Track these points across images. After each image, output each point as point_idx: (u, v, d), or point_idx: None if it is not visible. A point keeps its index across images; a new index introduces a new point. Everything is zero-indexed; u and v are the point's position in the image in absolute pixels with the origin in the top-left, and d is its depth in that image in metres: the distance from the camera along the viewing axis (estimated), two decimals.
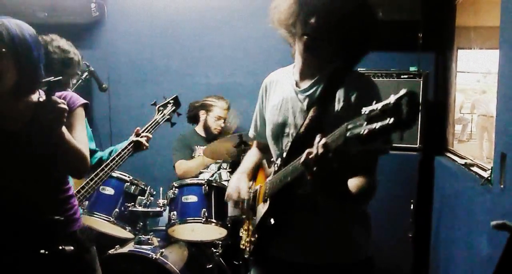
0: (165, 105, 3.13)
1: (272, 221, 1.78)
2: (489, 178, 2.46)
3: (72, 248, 1.97)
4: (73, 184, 2.29)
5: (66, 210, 2.04)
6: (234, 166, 4.09)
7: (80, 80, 3.26)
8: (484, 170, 2.67)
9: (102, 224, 3.14)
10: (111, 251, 3.14)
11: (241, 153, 3.39)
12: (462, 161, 3.16)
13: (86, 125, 2.61)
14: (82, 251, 2.09)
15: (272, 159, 2.01)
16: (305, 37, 1.78)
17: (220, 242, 3.51)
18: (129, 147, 2.83)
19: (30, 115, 1.96)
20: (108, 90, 3.92)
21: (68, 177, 2.18)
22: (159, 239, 3.33)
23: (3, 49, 1.80)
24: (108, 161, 2.76)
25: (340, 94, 1.78)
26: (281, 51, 4.38)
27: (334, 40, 1.76)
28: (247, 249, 1.97)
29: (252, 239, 1.92)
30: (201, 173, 4.05)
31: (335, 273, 1.82)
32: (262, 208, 1.88)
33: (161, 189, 3.47)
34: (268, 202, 1.83)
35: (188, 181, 3.44)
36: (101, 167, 2.74)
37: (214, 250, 3.51)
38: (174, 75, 4.52)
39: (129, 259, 3.13)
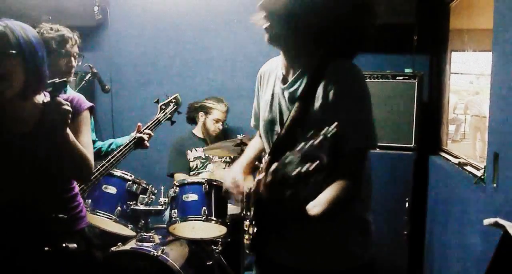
0: (167, 104, 3.15)
1: (254, 222, 1.72)
2: (482, 177, 2.46)
3: (75, 245, 1.96)
4: None
5: (72, 208, 2.04)
6: None
7: (84, 82, 3.26)
8: (478, 169, 2.67)
9: (104, 222, 3.13)
10: (113, 248, 3.13)
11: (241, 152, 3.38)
12: (456, 160, 3.15)
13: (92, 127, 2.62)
14: (91, 248, 2.11)
15: None
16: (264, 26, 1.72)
17: (220, 240, 3.50)
18: (130, 143, 2.83)
19: (38, 117, 1.95)
20: (111, 92, 3.92)
21: None
22: (160, 237, 3.33)
23: (11, 51, 1.79)
24: (109, 157, 2.77)
25: (319, 90, 1.62)
26: (279, 54, 4.39)
27: (294, 32, 1.65)
28: (247, 244, 1.85)
29: (250, 235, 1.83)
30: (200, 173, 4.06)
31: None
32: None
33: (162, 187, 3.46)
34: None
35: (189, 179, 3.44)
36: (102, 163, 2.74)
37: (214, 247, 3.50)
38: (175, 77, 4.51)
39: (131, 256, 3.12)
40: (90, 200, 3.06)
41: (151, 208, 3.25)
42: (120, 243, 3.22)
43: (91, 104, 2.09)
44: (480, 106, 6.28)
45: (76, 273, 2.05)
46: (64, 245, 1.95)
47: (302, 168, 1.18)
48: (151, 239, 3.21)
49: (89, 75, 3.34)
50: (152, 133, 2.98)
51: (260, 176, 1.46)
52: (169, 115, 3.13)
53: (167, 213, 3.38)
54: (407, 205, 3.64)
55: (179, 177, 4.04)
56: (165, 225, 3.38)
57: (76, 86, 3.04)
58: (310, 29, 1.62)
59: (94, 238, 2.20)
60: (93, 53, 4.32)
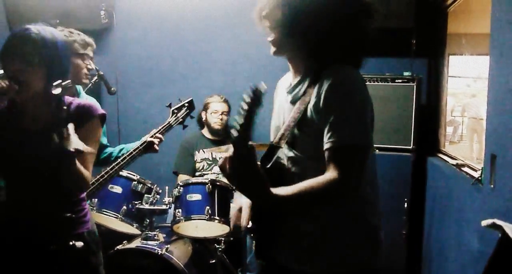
0: (179, 108, 3.12)
1: (250, 224, 1.71)
2: (479, 178, 2.46)
3: (82, 243, 1.96)
4: None
5: (77, 211, 2.04)
6: None
7: (90, 84, 3.26)
8: (475, 170, 2.67)
9: (110, 220, 3.13)
10: (119, 247, 3.14)
11: None
12: (454, 162, 3.15)
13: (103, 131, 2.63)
14: (88, 253, 2.08)
15: None
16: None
17: (223, 239, 3.50)
18: (140, 147, 2.83)
19: (49, 116, 1.96)
20: (117, 94, 3.91)
21: None
22: (164, 235, 3.33)
23: (37, 58, 1.83)
24: (119, 160, 2.77)
25: (314, 90, 1.60)
26: (282, 57, 4.39)
27: (297, 41, 1.65)
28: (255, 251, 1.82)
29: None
30: (204, 174, 4.06)
31: None
32: None
33: (166, 187, 3.46)
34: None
35: (193, 180, 3.44)
36: (111, 165, 2.74)
37: (217, 246, 3.50)
38: (179, 79, 4.52)
39: (136, 254, 3.12)
40: (96, 199, 3.07)
41: (155, 207, 3.26)
42: (125, 241, 3.23)
43: (102, 112, 2.06)
44: (477, 108, 6.29)
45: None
46: (71, 243, 1.95)
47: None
48: (155, 237, 3.22)
49: (95, 77, 3.35)
50: (163, 138, 2.97)
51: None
52: (181, 120, 3.09)
53: (171, 212, 3.38)
54: (405, 205, 3.64)
55: (182, 178, 4.04)
56: (169, 224, 3.39)
57: (83, 88, 3.04)
58: (312, 38, 1.62)
59: (97, 243, 2.18)
60: (99, 55, 4.28)
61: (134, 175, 3.23)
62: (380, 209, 1.74)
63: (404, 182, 3.67)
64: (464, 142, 6.30)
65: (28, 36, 1.84)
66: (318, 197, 1.52)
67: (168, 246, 3.17)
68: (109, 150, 3.01)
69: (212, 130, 4.18)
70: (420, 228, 3.83)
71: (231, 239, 3.54)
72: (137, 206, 3.20)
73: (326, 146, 1.53)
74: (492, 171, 2.21)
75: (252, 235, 1.75)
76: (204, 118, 4.20)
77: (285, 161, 1.71)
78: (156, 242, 3.19)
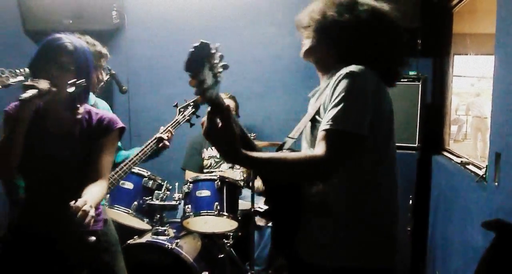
0: (185, 107, 3.16)
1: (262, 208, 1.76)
2: (484, 176, 2.45)
3: (94, 238, 1.97)
4: None
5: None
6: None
7: (102, 83, 3.27)
8: (479, 168, 2.65)
9: (122, 216, 3.15)
10: (130, 241, 3.15)
11: None
12: (458, 160, 3.14)
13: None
14: (99, 250, 2.13)
15: None
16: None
17: (231, 234, 3.51)
18: (151, 143, 2.85)
19: (72, 123, 2.04)
20: (128, 92, 3.93)
21: None
22: (174, 230, 3.34)
23: (71, 66, 1.95)
24: (132, 156, 2.79)
25: (328, 86, 1.65)
26: (287, 57, 4.39)
27: (324, 48, 1.75)
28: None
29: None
30: (212, 172, 4.06)
31: None
32: None
33: (176, 184, 3.47)
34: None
35: (202, 176, 3.44)
36: (125, 162, 2.76)
37: (226, 241, 3.51)
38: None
39: (147, 249, 3.13)
40: (108, 195, 3.08)
41: (166, 203, 3.27)
42: (136, 236, 3.24)
43: (122, 125, 2.13)
44: (481, 107, 6.28)
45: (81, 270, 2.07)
46: (83, 237, 1.95)
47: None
48: (166, 232, 3.23)
49: (107, 76, 3.35)
50: (173, 132, 3.01)
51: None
52: (188, 118, 3.14)
53: (181, 207, 3.38)
54: (410, 202, 3.62)
55: (189, 174, 4.06)
56: (179, 219, 3.39)
57: (97, 88, 3.05)
58: (342, 48, 1.71)
59: (105, 242, 2.18)
60: (110, 55, 4.31)
61: (145, 172, 3.24)
62: (397, 209, 1.79)
63: (409, 179, 3.66)
64: (468, 140, 6.28)
65: (64, 45, 1.95)
66: (293, 168, 1.52)
67: (178, 240, 3.18)
68: (123, 152, 3.02)
69: None
70: (425, 225, 3.81)
71: (239, 234, 3.54)
72: (147, 202, 3.21)
73: (321, 127, 1.55)
74: (496, 168, 2.20)
75: (264, 217, 1.76)
76: None
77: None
78: (166, 237, 3.20)
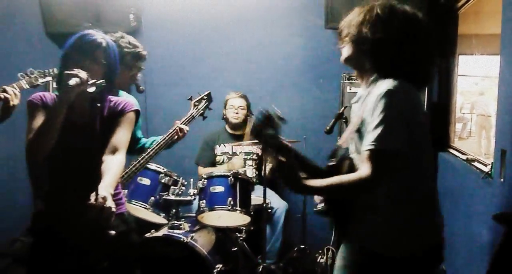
0: (199, 101, 3.18)
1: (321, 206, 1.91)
2: (489, 172, 2.43)
3: (114, 232, 1.97)
4: None
5: (114, 194, 2.07)
6: (260, 163, 4.09)
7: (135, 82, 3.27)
8: (485, 165, 2.63)
9: (139, 210, 3.16)
10: (147, 235, 3.17)
11: None
12: (464, 157, 3.11)
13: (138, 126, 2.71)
14: (131, 230, 2.18)
15: None
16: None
17: (244, 228, 3.52)
18: (166, 137, 2.87)
19: (96, 114, 2.04)
20: (145, 92, 3.93)
21: None
22: (189, 225, 3.35)
23: (103, 61, 2.03)
24: (149, 150, 2.80)
25: (368, 99, 1.77)
26: (299, 56, 4.38)
27: (363, 55, 1.82)
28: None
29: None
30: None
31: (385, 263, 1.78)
32: None
33: (191, 180, 3.48)
34: None
35: (216, 172, 3.45)
36: (142, 155, 2.78)
37: (239, 235, 3.52)
38: (202, 79, 4.52)
39: (163, 242, 3.14)
40: (126, 191, 3.09)
41: (181, 198, 3.28)
42: (153, 230, 3.25)
43: (136, 108, 2.17)
44: (485, 106, 6.23)
45: (115, 251, 2.08)
46: (105, 231, 1.96)
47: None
48: (181, 226, 3.24)
49: None
50: (188, 128, 3.01)
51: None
52: (202, 111, 3.17)
53: (196, 203, 3.40)
54: None
55: (201, 170, 4.07)
56: (194, 214, 3.41)
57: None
58: (379, 58, 1.79)
59: (132, 222, 2.23)
60: None
61: (161, 168, 3.26)
62: (438, 202, 1.89)
63: None
64: (473, 137, 6.25)
65: (98, 41, 2.03)
66: (346, 190, 1.71)
67: (193, 234, 3.19)
68: (143, 140, 3.05)
69: (230, 125, 4.20)
70: None
71: (252, 228, 3.54)
72: (164, 197, 3.23)
73: (364, 147, 1.69)
74: (502, 165, 2.19)
75: (324, 215, 1.94)
76: (225, 114, 4.21)
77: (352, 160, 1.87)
78: (181, 230, 3.21)
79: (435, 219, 1.85)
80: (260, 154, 4.14)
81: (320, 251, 4.00)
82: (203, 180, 3.38)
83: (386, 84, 1.70)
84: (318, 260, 3.90)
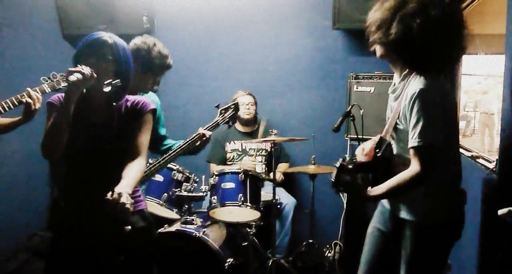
0: (226, 109, 3.12)
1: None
2: (494, 169, 2.41)
3: (129, 227, 1.97)
4: None
5: (133, 192, 2.07)
6: (269, 160, 4.09)
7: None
8: (489, 162, 2.61)
9: (153, 206, 3.17)
10: (161, 230, 3.17)
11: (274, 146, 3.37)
12: (469, 154, 3.09)
13: (160, 113, 2.82)
14: (151, 225, 2.18)
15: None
16: None
17: (254, 223, 3.51)
18: (188, 141, 2.86)
19: (113, 112, 2.06)
20: (157, 92, 3.94)
21: None
22: (201, 220, 3.35)
23: (110, 57, 2.00)
24: (170, 152, 2.81)
25: (405, 93, 1.92)
26: (307, 57, 4.37)
27: (397, 52, 1.92)
28: None
29: None
30: (235, 164, 4.07)
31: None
32: None
33: (203, 176, 3.49)
34: None
35: (227, 169, 3.45)
36: (163, 157, 2.78)
37: (249, 230, 3.51)
38: (212, 79, 4.53)
39: (176, 237, 3.15)
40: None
41: (193, 194, 3.29)
42: (166, 225, 3.26)
43: (153, 107, 2.15)
44: (488, 104, 6.16)
45: (135, 247, 2.09)
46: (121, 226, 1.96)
47: None
48: (193, 222, 3.24)
49: None
50: (210, 133, 2.98)
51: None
52: (227, 119, 3.11)
53: (207, 199, 3.40)
54: None
55: (213, 167, 4.07)
56: (205, 210, 3.41)
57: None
58: (409, 56, 1.91)
59: (151, 217, 2.23)
60: None
61: (174, 165, 3.27)
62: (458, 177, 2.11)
63: None
64: (476, 135, 6.19)
65: (103, 39, 2.01)
66: (403, 189, 1.92)
67: (205, 229, 3.19)
68: (168, 141, 3.04)
69: (243, 121, 4.19)
70: None
71: (261, 223, 3.54)
72: (176, 193, 3.24)
73: (410, 144, 1.88)
74: None
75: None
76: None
77: (394, 149, 2.08)
78: (194, 226, 3.22)
79: (460, 195, 2.08)
80: (269, 151, 4.14)
81: (328, 246, 4.00)
82: (214, 176, 3.38)
83: (419, 83, 1.86)
84: (326, 254, 3.91)
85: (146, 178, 2.72)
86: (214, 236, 3.23)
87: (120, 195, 1.76)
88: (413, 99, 1.84)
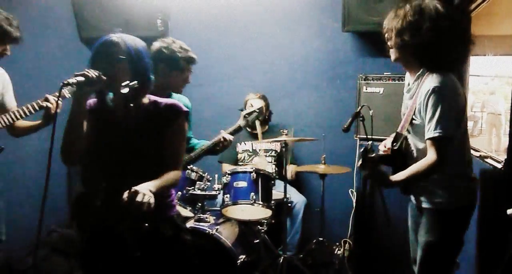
0: (250, 114, 3.11)
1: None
2: (502, 169, 2.39)
3: (147, 225, 1.97)
4: None
5: (165, 196, 2.07)
6: (279, 160, 4.09)
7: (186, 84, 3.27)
8: (498, 162, 2.59)
9: None
10: None
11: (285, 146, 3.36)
12: (477, 153, 3.07)
13: (190, 116, 2.77)
14: (180, 232, 2.17)
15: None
16: None
17: (265, 221, 3.51)
18: (210, 144, 2.86)
19: (139, 113, 2.02)
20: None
21: None
22: (214, 218, 3.37)
23: (121, 56, 1.93)
24: (191, 154, 2.84)
25: (421, 90, 2.06)
26: (317, 58, 4.35)
27: (409, 54, 2.09)
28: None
29: None
30: (247, 164, 4.06)
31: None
32: None
33: (216, 175, 3.49)
34: None
35: (239, 169, 3.46)
36: (189, 155, 2.80)
37: (260, 228, 3.51)
38: (224, 80, 4.53)
39: (190, 234, 3.14)
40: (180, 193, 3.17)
41: (206, 193, 3.30)
42: None
43: (185, 110, 2.09)
44: (496, 104, 6.13)
45: (166, 254, 2.09)
46: (140, 224, 1.95)
47: None
48: (206, 219, 3.26)
49: None
50: (232, 137, 2.97)
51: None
52: (250, 124, 3.10)
53: (220, 197, 3.41)
54: None
55: (225, 167, 4.07)
56: (218, 208, 3.42)
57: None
58: (422, 57, 2.07)
59: (182, 223, 2.22)
60: None
61: (188, 165, 3.27)
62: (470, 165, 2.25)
63: None
64: (484, 135, 6.16)
65: (111, 40, 1.97)
66: (421, 175, 2.08)
67: (218, 227, 3.20)
68: (193, 141, 3.06)
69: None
70: None
71: (273, 221, 3.54)
72: (190, 192, 3.25)
73: (427, 136, 2.04)
74: None
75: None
76: None
77: (410, 143, 2.22)
78: (207, 223, 3.23)
79: (472, 182, 2.23)
80: (278, 152, 4.14)
81: (337, 243, 3.99)
82: (227, 175, 3.39)
83: (432, 81, 2.01)
84: (335, 252, 3.89)
85: None
86: (226, 234, 3.24)
87: (136, 192, 1.76)
88: (428, 95, 1.99)
